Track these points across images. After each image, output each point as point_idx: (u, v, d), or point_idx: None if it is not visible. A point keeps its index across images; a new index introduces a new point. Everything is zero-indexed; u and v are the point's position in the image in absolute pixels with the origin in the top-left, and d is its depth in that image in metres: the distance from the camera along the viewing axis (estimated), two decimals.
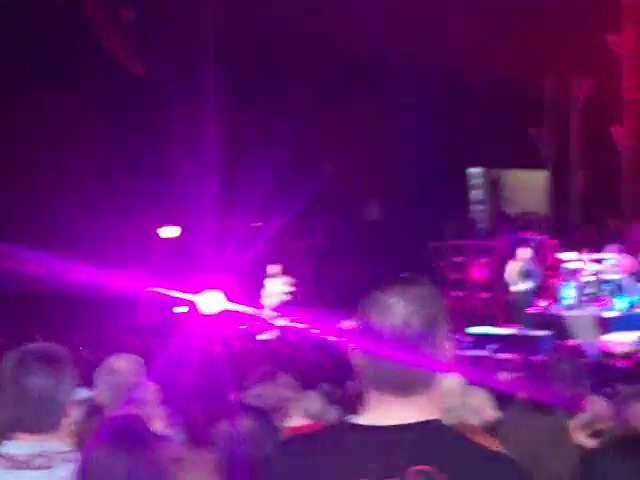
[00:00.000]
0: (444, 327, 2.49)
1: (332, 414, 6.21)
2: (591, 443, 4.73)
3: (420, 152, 23.46)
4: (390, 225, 24.69)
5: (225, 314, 16.75)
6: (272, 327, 18.96)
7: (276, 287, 20.11)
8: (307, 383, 6.99)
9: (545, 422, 4.10)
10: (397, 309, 2.44)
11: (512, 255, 19.30)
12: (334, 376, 10.71)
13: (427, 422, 2.43)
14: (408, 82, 22.82)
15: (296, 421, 5.43)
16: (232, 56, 22.48)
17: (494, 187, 26.18)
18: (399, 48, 21.82)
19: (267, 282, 20.27)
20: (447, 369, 2.52)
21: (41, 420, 3.40)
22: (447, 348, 2.50)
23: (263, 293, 20.16)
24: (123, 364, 4.73)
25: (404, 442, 2.38)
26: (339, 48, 22.27)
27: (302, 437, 2.70)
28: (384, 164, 23.74)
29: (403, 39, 21.21)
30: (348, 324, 17.07)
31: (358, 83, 23.41)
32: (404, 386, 2.44)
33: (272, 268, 20.32)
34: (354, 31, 21.89)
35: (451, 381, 4.71)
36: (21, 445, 3.38)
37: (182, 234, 23.68)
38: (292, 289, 20.12)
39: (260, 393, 5.21)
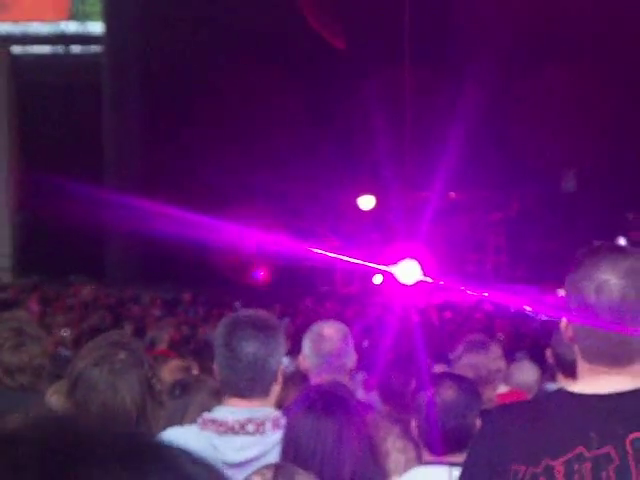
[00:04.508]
0: None
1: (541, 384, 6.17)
2: None
3: (618, 120, 22.90)
4: (586, 195, 24.20)
5: (421, 284, 16.78)
6: (466, 296, 18.84)
7: None
8: (505, 353, 6.98)
9: None
10: (611, 285, 2.42)
11: None
12: (531, 346, 10.66)
13: None
14: (612, 52, 22.29)
15: (501, 389, 5.42)
16: (426, 30, 22.40)
17: None
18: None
19: None
20: None
21: (253, 385, 3.47)
22: None
23: None
24: (332, 331, 4.74)
25: (620, 410, 2.38)
26: (534, 19, 21.95)
27: (518, 404, 2.71)
28: (581, 133, 23.27)
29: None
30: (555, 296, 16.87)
31: (554, 51, 22.97)
32: (620, 359, 2.44)
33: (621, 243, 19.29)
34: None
35: None
36: (233, 410, 3.47)
37: (377, 205, 23.80)
38: None
39: (474, 363, 5.19)
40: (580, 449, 2.34)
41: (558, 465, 2.35)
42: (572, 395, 2.47)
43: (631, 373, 2.44)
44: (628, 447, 2.32)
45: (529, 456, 2.37)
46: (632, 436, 2.33)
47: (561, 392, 2.54)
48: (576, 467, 2.33)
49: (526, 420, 2.46)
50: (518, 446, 2.41)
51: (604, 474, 2.32)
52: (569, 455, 2.35)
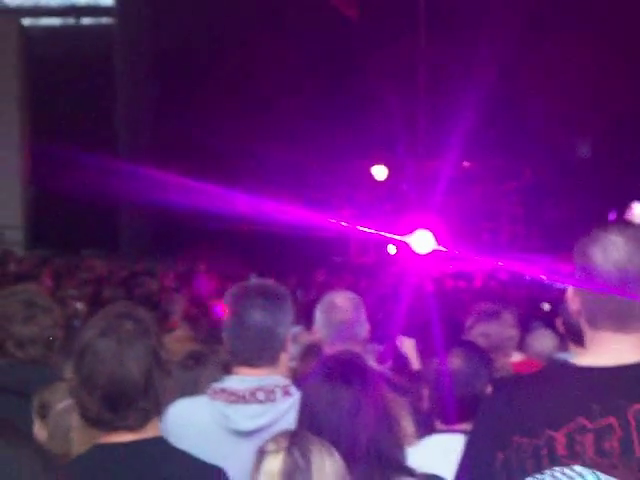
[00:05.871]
0: None
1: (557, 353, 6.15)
2: None
3: (633, 87, 22.75)
4: (601, 162, 24.11)
5: (435, 254, 16.77)
6: (481, 266, 18.80)
7: None
8: (521, 323, 6.95)
9: None
10: (620, 246, 2.46)
11: None
12: (545, 315, 10.61)
13: None
14: (628, 19, 22.15)
15: (515, 358, 5.41)
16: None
17: None
18: None
19: None
20: None
21: (261, 354, 3.48)
22: None
23: None
24: (345, 301, 4.71)
25: (623, 381, 2.40)
26: None
27: (523, 376, 2.74)
28: (595, 100, 23.14)
29: None
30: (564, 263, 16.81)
31: (569, 19, 22.82)
32: (625, 323, 2.45)
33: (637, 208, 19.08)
34: None
35: None
36: (243, 379, 3.47)
37: (391, 174, 23.75)
38: None
39: (486, 331, 5.19)
40: (582, 420, 2.36)
41: (559, 436, 2.37)
42: (576, 368, 2.49)
43: (633, 342, 2.46)
44: (630, 418, 2.34)
45: (531, 428, 2.40)
46: (635, 407, 2.35)
47: (565, 365, 2.57)
48: (578, 438, 2.36)
49: (529, 393, 2.48)
50: (520, 418, 2.43)
51: (607, 445, 2.34)
52: (571, 426, 2.37)
